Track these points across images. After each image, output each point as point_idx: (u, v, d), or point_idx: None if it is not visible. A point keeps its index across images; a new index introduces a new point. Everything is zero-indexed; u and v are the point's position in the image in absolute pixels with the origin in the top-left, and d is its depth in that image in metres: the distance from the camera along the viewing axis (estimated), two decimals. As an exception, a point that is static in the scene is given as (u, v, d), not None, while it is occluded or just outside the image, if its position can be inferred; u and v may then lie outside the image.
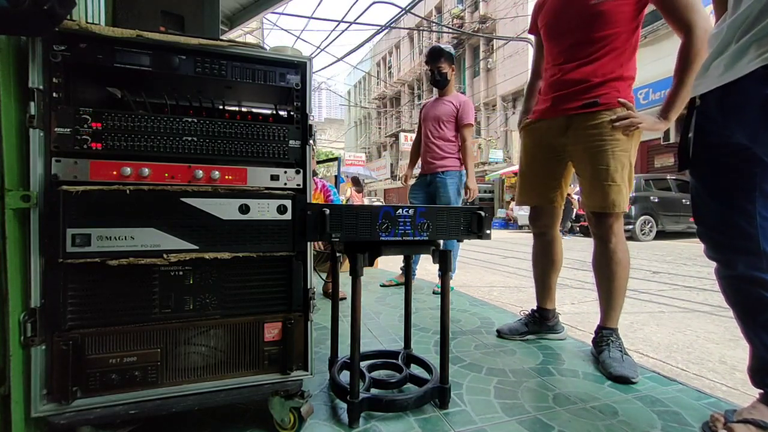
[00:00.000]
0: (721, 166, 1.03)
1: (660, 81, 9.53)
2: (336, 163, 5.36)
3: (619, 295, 1.53)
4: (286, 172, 1.05)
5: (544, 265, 1.79)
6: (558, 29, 1.58)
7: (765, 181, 0.97)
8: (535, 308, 1.85)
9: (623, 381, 1.37)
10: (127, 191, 0.90)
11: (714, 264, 1.12)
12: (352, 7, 10.17)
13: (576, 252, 5.72)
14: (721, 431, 1.02)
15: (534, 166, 1.70)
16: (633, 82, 1.51)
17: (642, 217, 8.01)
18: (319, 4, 8.90)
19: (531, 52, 1.82)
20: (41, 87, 0.84)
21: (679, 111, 1.37)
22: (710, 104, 0.99)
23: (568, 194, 8.34)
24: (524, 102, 1.90)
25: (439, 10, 21.61)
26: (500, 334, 1.84)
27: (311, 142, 1.08)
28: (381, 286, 3.06)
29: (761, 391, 1.06)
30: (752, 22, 0.84)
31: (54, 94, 0.87)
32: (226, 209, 0.98)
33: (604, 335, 1.53)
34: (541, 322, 1.81)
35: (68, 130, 0.87)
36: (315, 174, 2.70)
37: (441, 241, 1.19)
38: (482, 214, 1.15)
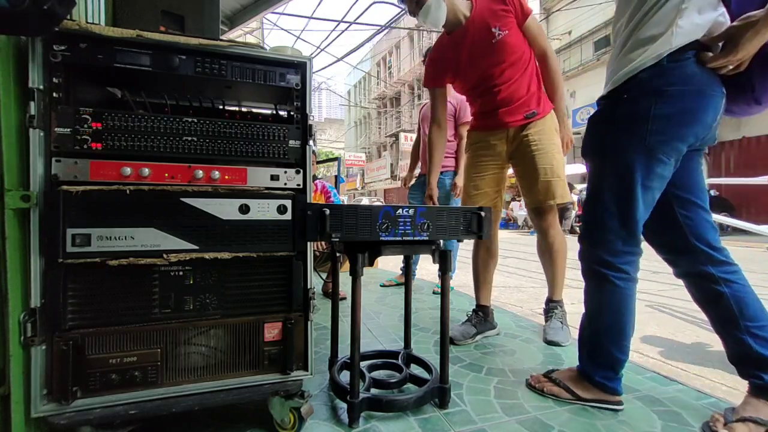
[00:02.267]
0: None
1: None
2: (336, 163, 5.36)
3: (561, 274, 1.87)
4: (286, 172, 1.05)
5: (486, 259, 1.91)
6: (471, 72, 1.78)
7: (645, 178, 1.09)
8: (476, 307, 1.91)
9: (555, 344, 1.74)
10: (127, 191, 0.90)
11: None
12: (352, 7, 10.16)
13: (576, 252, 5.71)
14: (722, 431, 1.03)
15: (483, 179, 1.86)
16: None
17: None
18: (319, 4, 8.90)
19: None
20: (41, 87, 0.84)
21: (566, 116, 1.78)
22: None
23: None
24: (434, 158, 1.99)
25: (439, 10, 21.58)
26: (453, 340, 1.76)
27: (311, 143, 1.08)
28: (381, 286, 3.06)
29: (747, 383, 1.10)
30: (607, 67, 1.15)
31: (54, 94, 0.87)
32: (226, 209, 0.98)
33: (551, 307, 1.88)
34: (484, 320, 1.89)
35: (68, 130, 0.87)
36: (315, 177, 2.70)
37: (441, 241, 1.19)
38: (482, 214, 1.15)
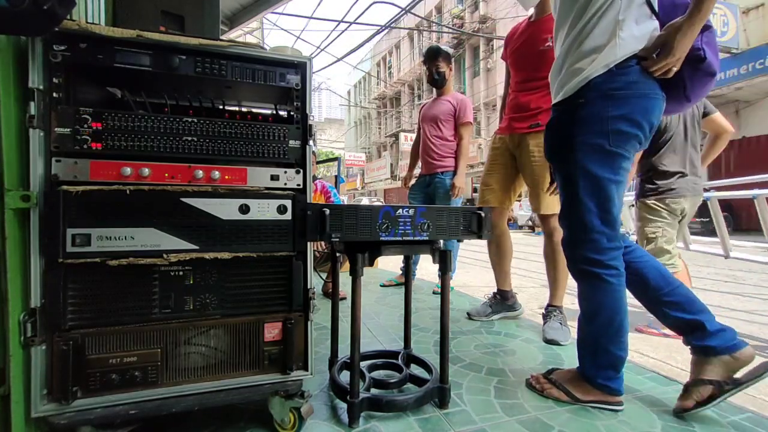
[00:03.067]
0: None
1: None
2: (336, 163, 5.37)
3: (563, 279, 1.93)
4: (286, 172, 1.05)
5: (498, 253, 2.17)
6: (517, 63, 1.99)
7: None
8: (496, 291, 2.21)
9: (554, 343, 1.76)
10: (127, 191, 0.90)
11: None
12: (352, 7, 10.16)
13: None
14: (683, 404, 1.13)
15: (491, 176, 2.08)
16: None
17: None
18: (319, 4, 8.90)
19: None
20: (41, 87, 0.84)
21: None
22: None
23: None
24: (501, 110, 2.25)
25: (439, 10, 21.61)
26: (470, 316, 2.16)
27: (311, 143, 1.08)
28: (381, 286, 3.06)
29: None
30: (552, 77, 1.24)
31: (54, 94, 0.87)
32: (226, 209, 0.98)
33: (550, 311, 1.93)
34: (502, 302, 2.18)
35: (68, 130, 0.87)
36: (315, 178, 2.70)
37: (441, 241, 1.19)
38: (482, 214, 1.15)
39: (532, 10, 1.97)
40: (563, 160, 1.20)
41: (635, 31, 1.10)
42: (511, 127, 1.98)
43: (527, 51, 1.92)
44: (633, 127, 1.11)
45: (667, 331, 1.87)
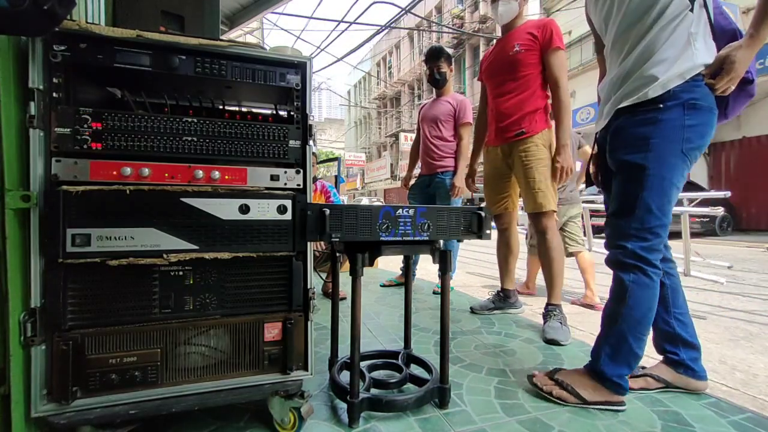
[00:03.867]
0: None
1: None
2: (336, 163, 5.37)
3: (558, 276, 1.98)
4: (286, 172, 1.05)
5: (506, 253, 2.30)
6: (491, 72, 2.14)
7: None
8: (500, 289, 2.34)
9: (554, 343, 1.77)
10: (127, 191, 0.90)
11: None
12: (352, 7, 10.16)
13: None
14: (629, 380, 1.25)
15: (492, 184, 2.22)
16: (546, 107, 2.03)
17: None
18: (319, 4, 8.90)
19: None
20: (41, 87, 0.84)
21: (568, 140, 1.91)
22: (601, 137, 1.37)
23: None
24: (475, 146, 2.45)
25: (439, 10, 21.60)
26: (473, 310, 2.31)
27: (311, 144, 1.08)
28: (381, 286, 3.06)
29: (662, 357, 1.37)
30: (615, 83, 1.29)
31: (54, 94, 0.87)
32: (226, 209, 0.98)
33: (550, 310, 1.95)
34: (504, 299, 2.30)
35: (68, 130, 0.87)
36: (315, 179, 2.71)
37: (441, 241, 1.19)
38: (482, 214, 1.15)
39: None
40: (632, 159, 1.21)
41: (705, 45, 1.16)
42: (500, 138, 2.09)
43: (499, 60, 2.07)
44: (701, 138, 1.17)
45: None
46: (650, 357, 1.78)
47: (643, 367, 1.37)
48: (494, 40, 2.19)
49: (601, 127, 1.36)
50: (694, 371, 1.30)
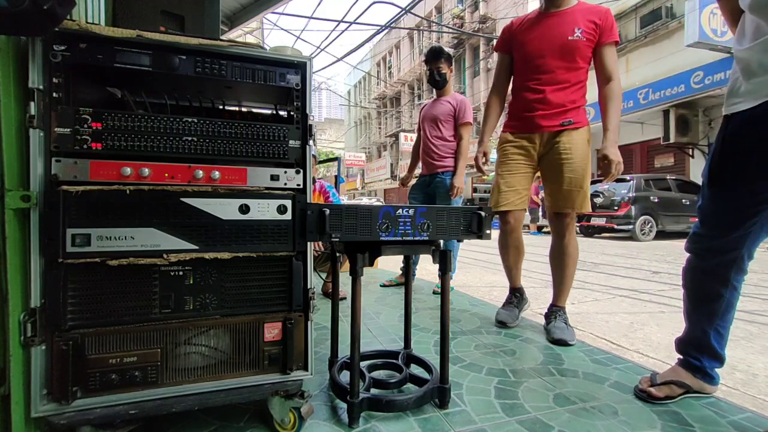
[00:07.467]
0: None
1: (660, 81, 9.53)
2: (336, 163, 5.36)
3: (570, 279, 1.91)
4: (286, 172, 1.05)
5: (515, 253, 2.08)
6: (535, 51, 1.84)
7: None
8: (511, 290, 2.15)
9: (562, 343, 1.72)
10: (127, 191, 0.90)
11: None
12: (352, 7, 10.16)
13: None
14: (649, 389, 1.25)
15: (514, 176, 1.95)
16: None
17: (642, 217, 7.97)
18: (319, 4, 8.90)
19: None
20: (41, 87, 0.84)
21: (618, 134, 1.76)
22: (737, 123, 1.08)
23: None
24: (489, 121, 2.12)
25: (439, 10, 21.61)
26: (505, 324, 2.00)
27: (311, 144, 1.08)
28: (381, 286, 3.06)
29: (680, 357, 1.32)
30: None
31: (54, 94, 0.87)
32: (226, 209, 0.98)
33: (554, 311, 1.90)
34: (520, 298, 2.13)
35: (68, 130, 0.87)
36: (314, 180, 2.70)
37: (441, 241, 1.19)
38: (482, 214, 1.15)
39: (537, 3, 1.91)
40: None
41: None
42: (536, 125, 1.85)
43: (550, 40, 1.78)
44: None
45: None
46: (650, 356, 1.79)
47: (658, 374, 1.31)
48: (526, 16, 1.95)
49: (753, 104, 1.02)
50: (711, 378, 1.26)
